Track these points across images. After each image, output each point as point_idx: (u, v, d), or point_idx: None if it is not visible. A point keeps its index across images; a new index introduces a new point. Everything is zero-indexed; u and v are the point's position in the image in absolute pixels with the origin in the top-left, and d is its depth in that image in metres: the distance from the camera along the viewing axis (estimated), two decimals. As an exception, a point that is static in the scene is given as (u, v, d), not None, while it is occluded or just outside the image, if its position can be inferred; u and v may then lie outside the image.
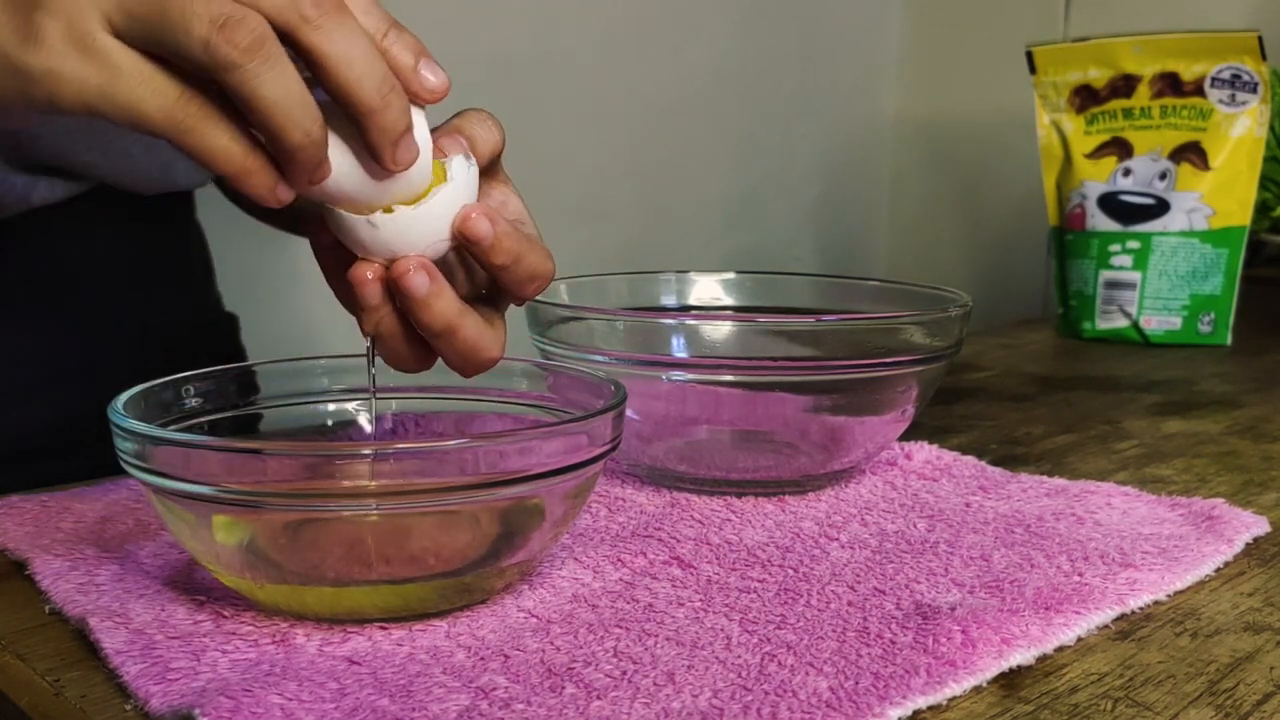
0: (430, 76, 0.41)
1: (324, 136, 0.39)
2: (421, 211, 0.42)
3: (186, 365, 0.50)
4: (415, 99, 0.41)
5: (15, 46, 0.38)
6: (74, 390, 0.69)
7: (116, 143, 0.67)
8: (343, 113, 0.40)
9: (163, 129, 0.38)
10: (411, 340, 0.44)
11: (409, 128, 0.40)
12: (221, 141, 0.38)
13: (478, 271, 0.47)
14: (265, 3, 0.37)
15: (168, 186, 0.72)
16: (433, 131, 0.43)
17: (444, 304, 0.42)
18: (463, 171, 0.43)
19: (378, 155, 0.40)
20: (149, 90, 0.38)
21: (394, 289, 0.42)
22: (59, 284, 0.70)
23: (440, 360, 0.46)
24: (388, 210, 0.42)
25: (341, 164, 0.40)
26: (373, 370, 0.47)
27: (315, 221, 0.44)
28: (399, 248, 0.42)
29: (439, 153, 0.43)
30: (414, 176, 0.41)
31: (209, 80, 0.38)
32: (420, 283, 0.42)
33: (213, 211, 0.85)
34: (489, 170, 0.46)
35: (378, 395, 0.53)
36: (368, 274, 0.42)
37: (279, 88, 0.37)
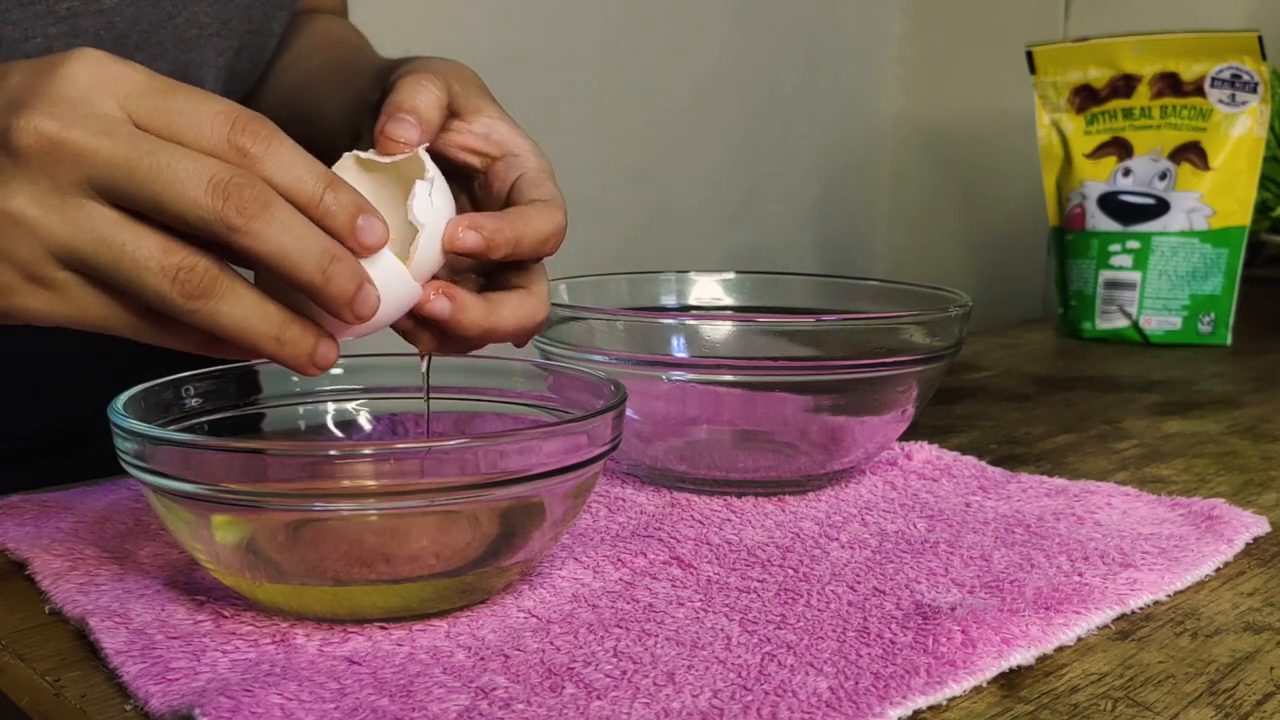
0: (368, 229, 0.41)
1: (352, 274, 0.40)
2: (413, 265, 0.43)
3: (190, 362, 0.50)
4: (355, 253, 0.41)
5: None
6: (76, 387, 0.69)
7: None
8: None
9: (134, 336, 0.41)
10: (457, 343, 0.46)
11: (360, 284, 0.40)
12: (223, 323, 0.40)
13: None
14: (191, 219, 0.38)
15: None
16: (380, 113, 0.46)
17: (472, 314, 0.45)
18: (425, 201, 0.43)
19: (337, 317, 0.41)
20: (112, 311, 0.40)
21: (421, 319, 0.44)
22: None
23: (436, 360, 0.47)
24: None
25: None
26: (425, 372, 0.49)
27: None
28: (408, 295, 0.43)
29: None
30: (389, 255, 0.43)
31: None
32: (442, 307, 0.44)
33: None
34: (460, 108, 0.49)
35: (378, 395, 0.53)
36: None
37: (237, 314, 0.39)
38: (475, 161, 0.51)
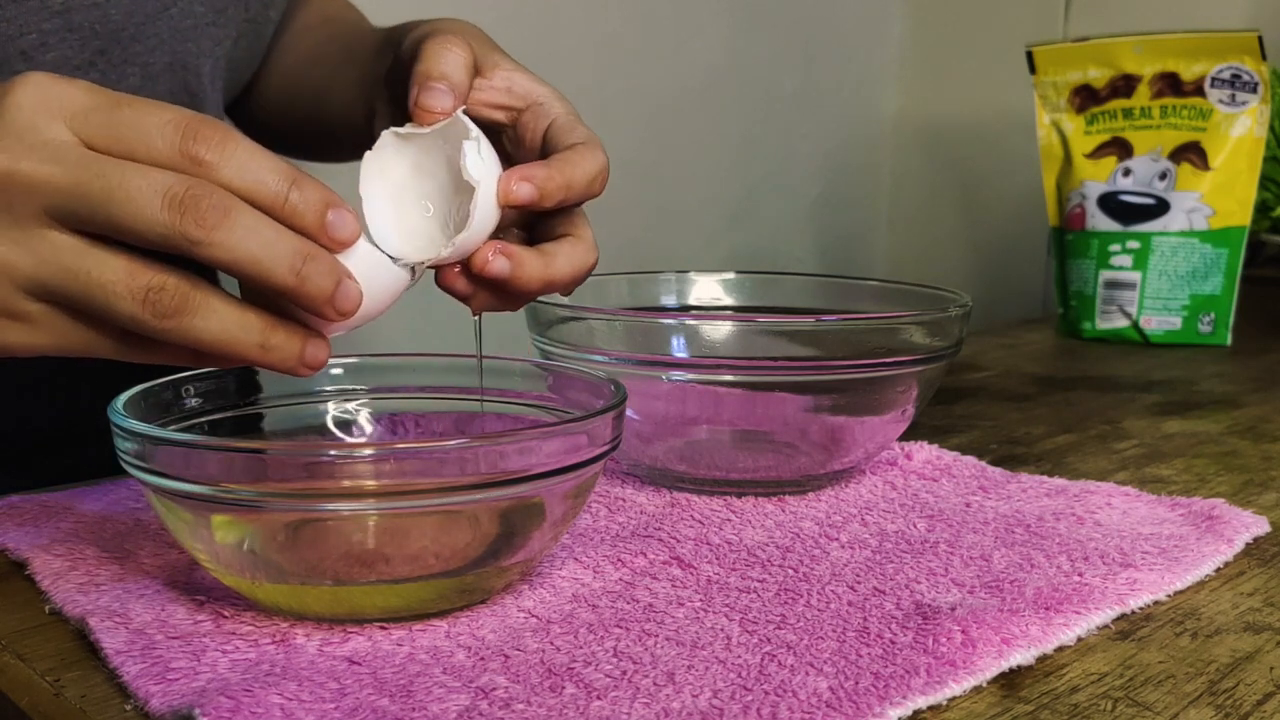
0: (339, 224, 0.40)
1: (329, 274, 0.39)
2: (472, 226, 0.44)
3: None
4: (328, 249, 0.41)
5: None
6: (75, 386, 0.69)
7: None
8: None
9: (120, 357, 0.40)
10: (513, 299, 0.47)
11: (338, 280, 0.40)
12: (201, 336, 0.39)
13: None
14: (151, 237, 0.37)
15: None
16: (410, 83, 0.46)
17: (531, 269, 0.45)
18: (478, 164, 0.44)
19: (318, 316, 0.40)
20: (92, 336, 0.40)
21: (480, 280, 0.45)
22: None
23: (436, 360, 0.49)
24: (449, 246, 0.44)
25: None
26: (478, 334, 0.50)
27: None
28: (472, 250, 0.44)
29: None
30: (461, 217, 0.44)
31: None
32: (501, 266, 0.44)
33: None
34: (480, 65, 0.49)
35: (379, 396, 0.53)
36: (454, 279, 0.45)
37: (215, 327, 0.39)
38: (501, 116, 0.51)
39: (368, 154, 0.45)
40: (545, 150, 0.49)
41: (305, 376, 0.42)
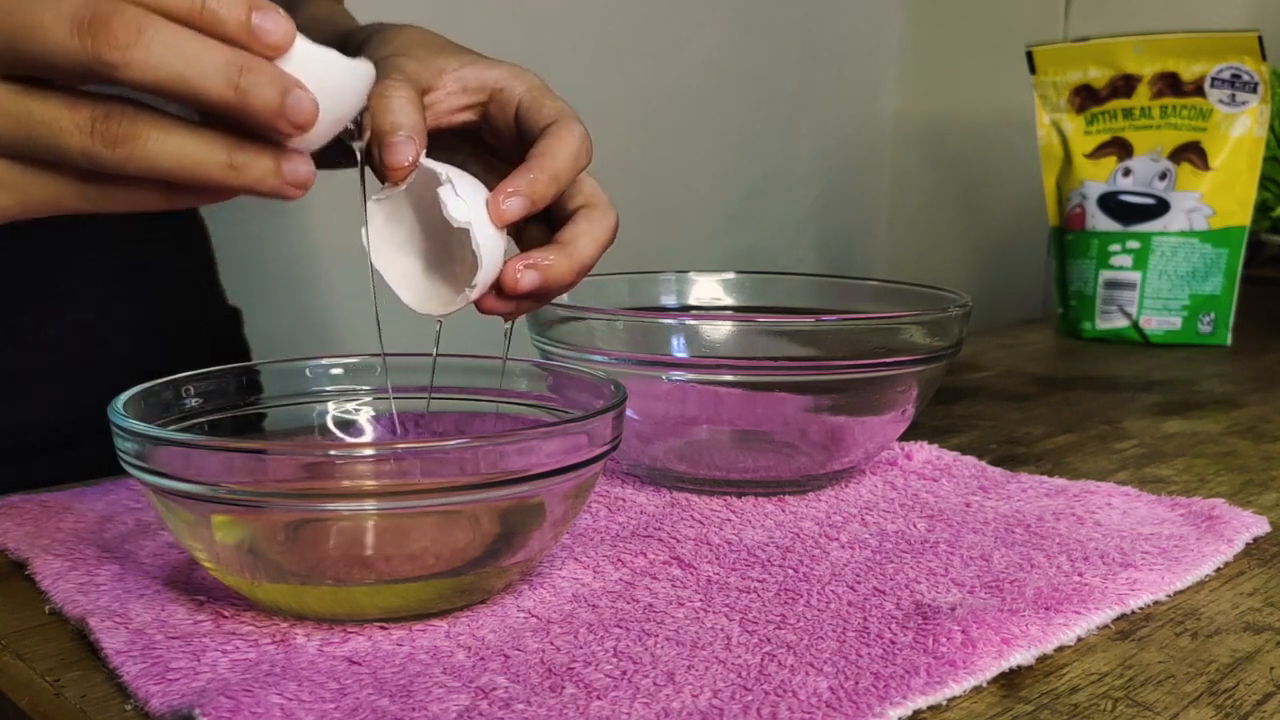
0: (268, 26, 0.37)
1: (274, 89, 0.37)
2: (482, 265, 0.44)
3: (189, 361, 0.50)
4: (263, 55, 0.38)
5: None
6: (74, 386, 0.69)
7: None
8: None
9: (89, 208, 0.39)
10: (558, 291, 0.47)
11: (284, 88, 0.37)
12: (165, 149, 0.37)
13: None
14: (68, 67, 0.36)
15: None
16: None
17: (558, 271, 0.46)
18: (456, 202, 0.44)
19: (272, 131, 0.38)
20: (53, 187, 0.38)
21: (517, 295, 0.46)
22: (57, 280, 0.70)
23: (435, 360, 0.48)
24: (470, 288, 0.45)
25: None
26: (507, 335, 0.51)
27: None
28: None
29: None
30: (466, 256, 0.44)
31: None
32: (531, 280, 0.45)
33: (216, 206, 0.84)
34: (428, 82, 0.49)
35: (378, 395, 0.53)
36: (493, 305, 0.46)
37: (174, 150, 0.37)
38: (468, 115, 0.50)
39: (364, 230, 0.46)
40: (521, 132, 0.49)
41: (294, 197, 0.39)
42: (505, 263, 0.45)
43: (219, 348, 0.78)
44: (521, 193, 0.45)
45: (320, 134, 0.39)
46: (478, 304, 0.46)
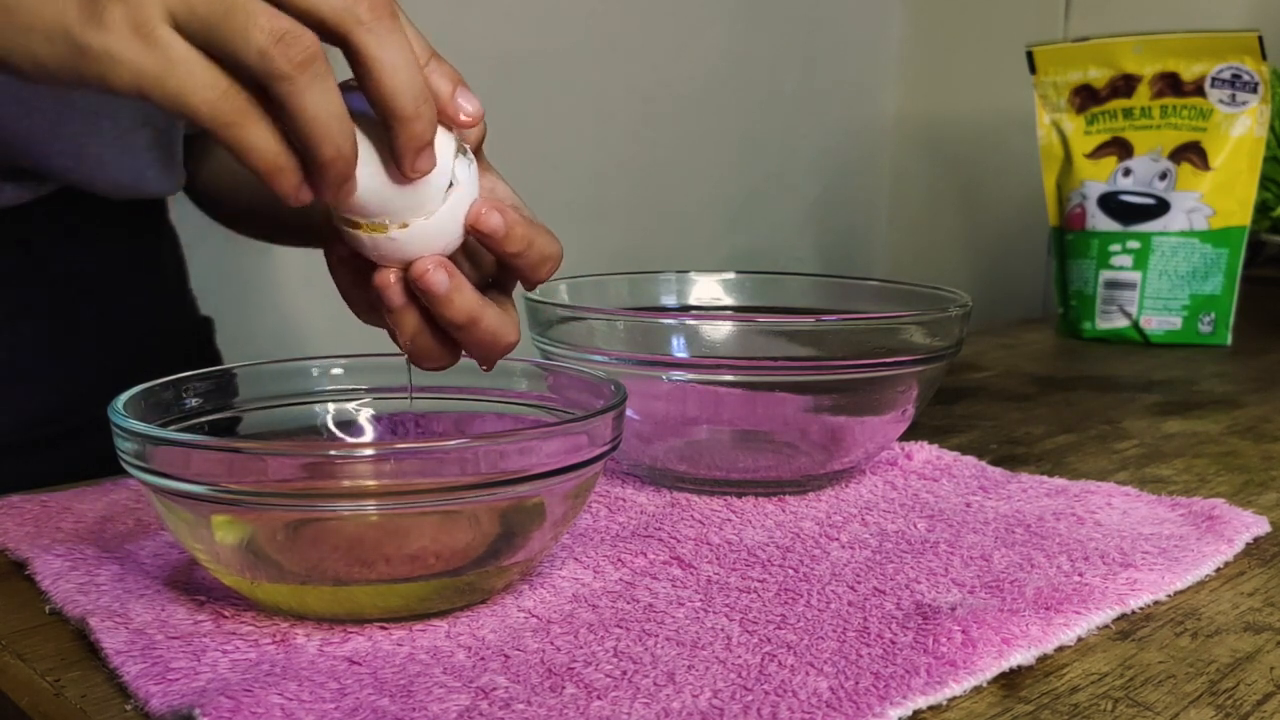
0: (466, 105, 0.43)
1: (354, 155, 0.40)
2: (435, 219, 0.43)
3: (160, 369, 0.50)
4: (451, 124, 0.42)
5: (78, 24, 0.38)
6: (41, 394, 0.69)
7: (89, 147, 0.66)
8: (371, 131, 0.41)
9: (206, 120, 0.39)
10: (437, 336, 0.45)
11: (432, 141, 0.41)
12: (258, 139, 0.39)
13: (485, 258, 0.48)
14: (324, 6, 0.38)
15: (139, 193, 0.71)
16: None
17: (464, 297, 0.44)
18: (465, 172, 0.43)
19: (400, 161, 0.41)
20: (199, 83, 0.38)
21: (415, 288, 0.43)
22: (26, 288, 0.69)
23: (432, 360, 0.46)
24: (403, 226, 0.43)
25: (367, 180, 0.41)
26: (411, 380, 0.50)
27: (331, 236, 0.45)
28: (418, 254, 0.43)
29: None
30: (430, 190, 0.42)
31: (255, 82, 0.39)
32: (440, 280, 0.43)
33: (186, 215, 0.84)
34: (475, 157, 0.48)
35: (380, 396, 0.53)
36: (390, 278, 0.44)
37: (322, 104, 0.39)
38: None
39: None
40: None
41: (303, 201, 0.41)
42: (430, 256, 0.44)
43: (191, 356, 0.78)
44: (506, 217, 0.44)
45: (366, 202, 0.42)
46: (376, 272, 0.44)
